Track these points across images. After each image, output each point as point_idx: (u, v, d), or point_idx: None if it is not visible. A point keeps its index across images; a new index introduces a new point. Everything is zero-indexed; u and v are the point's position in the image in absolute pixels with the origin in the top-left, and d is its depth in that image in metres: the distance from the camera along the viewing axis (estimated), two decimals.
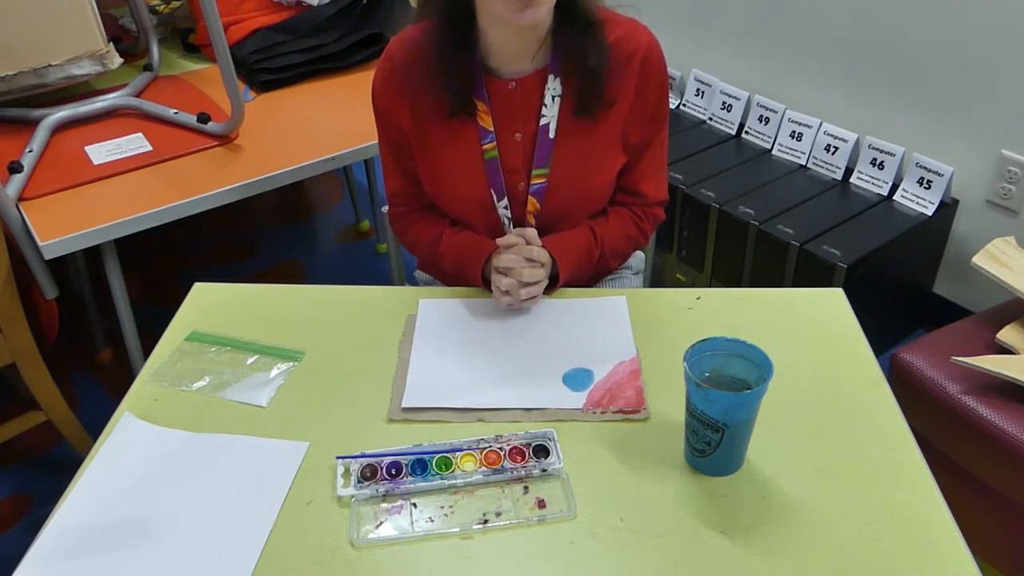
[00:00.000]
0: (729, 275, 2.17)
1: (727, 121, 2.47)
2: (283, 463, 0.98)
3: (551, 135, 1.23)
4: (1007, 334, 1.48)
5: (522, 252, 1.19)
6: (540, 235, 1.24)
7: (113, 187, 1.66)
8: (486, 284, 1.24)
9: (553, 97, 1.22)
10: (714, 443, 0.92)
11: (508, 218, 1.28)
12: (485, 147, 1.24)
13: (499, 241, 1.22)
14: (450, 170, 1.27)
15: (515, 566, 0.86)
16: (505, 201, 1.27)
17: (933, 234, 2.10)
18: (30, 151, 1.72)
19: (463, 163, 1.25)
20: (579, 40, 1.17)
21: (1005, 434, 1.35)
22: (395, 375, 1.10)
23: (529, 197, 1.26)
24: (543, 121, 1.23)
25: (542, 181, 1.25)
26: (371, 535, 0.90)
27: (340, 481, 0.95)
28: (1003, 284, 1.51)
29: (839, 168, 2.21)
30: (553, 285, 1.24)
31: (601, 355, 1.12)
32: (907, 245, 2.02)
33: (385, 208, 1.41)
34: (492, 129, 1.23)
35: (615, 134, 1.25)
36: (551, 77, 1.22)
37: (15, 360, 1.64)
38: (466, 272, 1.26)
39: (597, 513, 0.91)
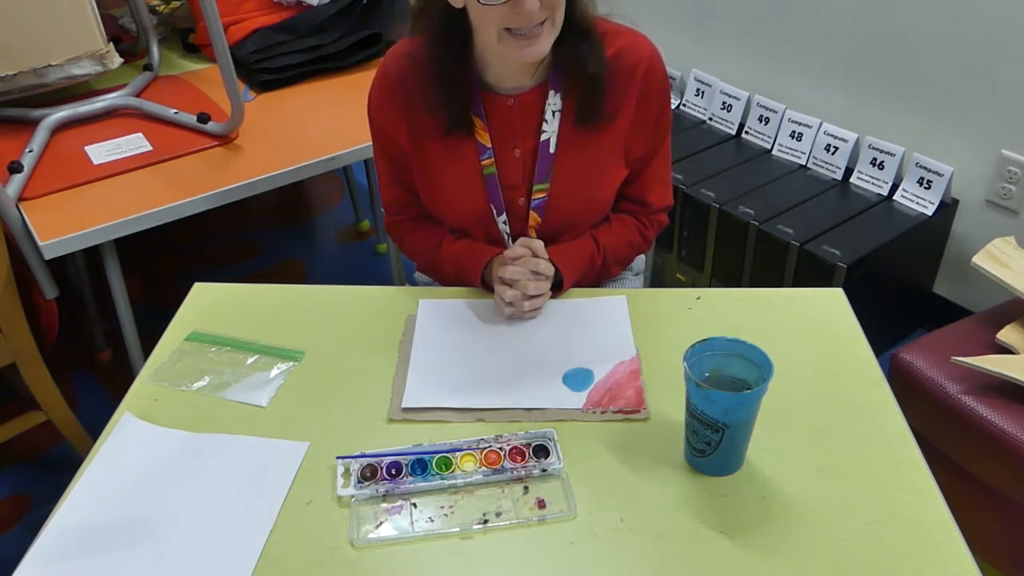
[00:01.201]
0: (729, 275, 2.17)
1: (727, 121, 2.47)
2: (283, 463, 0.98)
3: (551, 150, 1.22)
4: (1007, 334, 1.48)
5: (528, 265, 1.17)
6: None
7: (113, 187, 1.66)
8: (485, 287, 1.24)
9: (553, 112, 1.21)
10: (714, 443, 0.92)
11: (507, 233, 1.28)
12: (484, 163, 1.23)
13: (506, 253, 1.20)
14: (449, 186, 1.26)
15: (515, 566, 0.86)
16: (504, 216, 1.26)
17: (933, 234, 2.10)
18: (30, 151, 1.72)
19: (462, 180, 1.25)
20: (577, 48, 1.16)
21: (1005, 434, 1.34)
22: (395, 375, 1.10)
23: (530, 211, 1.26)
24: (543, 136, 1.22)
25: (543, 196, 1.25)
26: (371, 535, 0.90)
27: (340, 481, 0.95)
28: (1003, 284, 1.50)
29: (839, 168, 2.21)
30: (555, 292, 1.23)
31: (601, 355, 1.12)
32: (907, 245, 2.02)
33: None
34: (490, 145, 1.23)
35: (617, 147, 1.24)
36: (551, 92, 1.20)
37: (15, 360, 1.64)
38: (466, 276, 1.26)
39: (597, 513, 0.91)
